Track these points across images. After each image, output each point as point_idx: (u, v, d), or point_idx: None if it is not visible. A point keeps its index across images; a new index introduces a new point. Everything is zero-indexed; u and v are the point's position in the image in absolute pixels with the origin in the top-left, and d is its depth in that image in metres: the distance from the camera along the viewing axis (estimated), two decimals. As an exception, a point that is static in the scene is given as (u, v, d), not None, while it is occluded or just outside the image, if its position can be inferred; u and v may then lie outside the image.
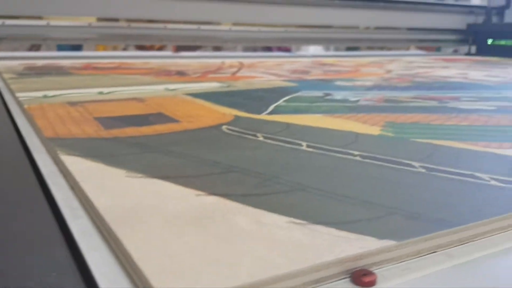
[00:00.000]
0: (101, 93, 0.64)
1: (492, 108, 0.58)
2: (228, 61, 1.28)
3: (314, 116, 0.51)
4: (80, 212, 0.25)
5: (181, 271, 0.18)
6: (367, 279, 0.19)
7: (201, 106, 0.56)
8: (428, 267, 0.20)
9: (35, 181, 0.30)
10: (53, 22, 1.33)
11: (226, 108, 0.54)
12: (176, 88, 0.71)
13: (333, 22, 1.72)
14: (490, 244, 0.23)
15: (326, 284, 0.19)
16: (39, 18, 1.33)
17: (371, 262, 0.20)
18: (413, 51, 2.07)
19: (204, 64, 1.19)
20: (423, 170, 0.31)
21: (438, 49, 2.19)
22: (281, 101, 0.60)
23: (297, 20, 1.65)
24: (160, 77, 0.87)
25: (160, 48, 1.87)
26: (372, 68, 1.18)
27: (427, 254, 0.21)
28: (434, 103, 0.61)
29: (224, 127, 0.44)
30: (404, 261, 0.21)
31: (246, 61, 1.31)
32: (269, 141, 0.39)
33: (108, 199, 0.25)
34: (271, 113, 0.52)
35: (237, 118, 0.49)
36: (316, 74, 0.99)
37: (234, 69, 1.06)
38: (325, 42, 1.85)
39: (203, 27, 1.51)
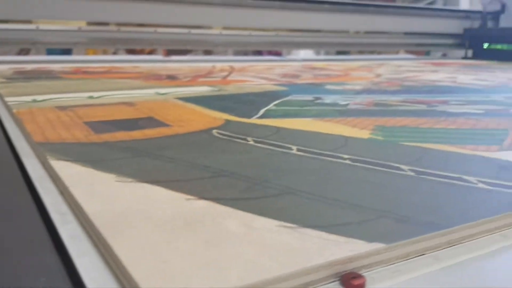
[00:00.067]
0: (91, 97, 0.64)
1: (480, 111, 0.59)
2: (218, 65, 1.28)
3: (304, 120, 0.51)
4: (70, 217, 0.25)
5: (171, 276, 0.18)
6: (356, 282, 0.19)
7: (192, 110, 0.56)
8: (416, 270, 0.21)
9: (24, 186, 0.30)
10: (42, 26, 1.32)
11: (216, 112, 0.54)
12: (166, 92, 0.71)
13: (323, 27, 1.73)
14: (477, 246, 0.23)
15: (316, 287, 0.19)
16: (29, 22, 1.32)
17: (361, 265, 0.20)
18: (402, 55, 2.09)
19: (194, 68, 1.19)
20: (412, 174, 0.32)
21: (427, 53, 2.21)
22: (271, 105, 0.61)
23: (288, 24, 1.66)
24: (151, 81, 0.87)
25: (151, 52, 1.87)
26: (362, 72, 1.18)
27: (416, 257, 0.22)
28: (423, 107, 0.62)
29: (214, 131, 0.44)
30: (393, 263, 0.21)
31: (236, 65, 1.31)
32: (259, 145, 0.39)
33: (98, 204, 0.25)
34: (261, 117, 0.52)
35: (227, 122, 0.49)
36: (306, 78, 0.99)
37: (225, 73, 1.06)
38: (316, 46, 1.86)
39: (193, 31, 1.51)
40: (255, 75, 1.04)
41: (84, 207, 0.24)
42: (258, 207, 0.25)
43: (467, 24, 1.94)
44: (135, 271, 0.18)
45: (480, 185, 0.30)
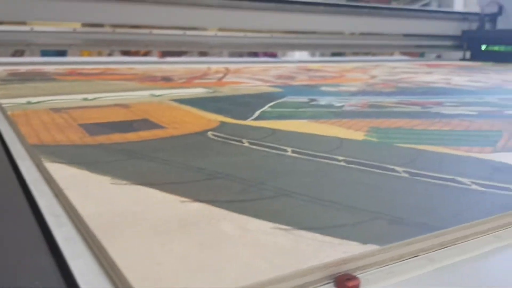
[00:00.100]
0: (85, 99, 0.64)
1: (474, 113, 0.59)
2: (214, 67, 1.28)
3: (300, 121, 0.51)
4: (64, 219, 0.24)
5: (166, 278, 0.18)
6: (350, 283, 0.19)
7: (187, 112, 0.56)
8: (410, 271, 0.21)
9: (18, 189, 0.30)
10: (37, 28, 1.32)
11: (211, 114, 0.54)
12: (161, 94, 0.71)
13: (318, 28, 1.73)
14: (471, 247, 0.23)
15: (311, 289, 0.19)
16: (23, 23, 1.32)
17: (355, 267, 0.20)
18: (397, 56, 2.10)
19: (190, 69, 1.19)
20: (406, 175, 0.32)
21: (421, 55, 2.23)
22: (266, 106, 0.61)
23: (283, 26, 1.66)
24: (146, 83, 0.86)
25: (146, 54, 1.86)
26: (357, 73, 1.19)
27: (410, 258, 0.22)
28: (417, 108, 0.62)
29: (209, 133, 0.44)
30: (387, 265, 0.21)
31: (232, 66, 1.32)
32: (254, 147, 0.39)
33: (93, 206, 0.25)
34: (256, 119, 0.52)
35: (222, 124, 0.49)
36: (301, 80, 0.99)
37: (220, 75, 1.06)
38: (311, 47, 1.86)
39: (188, 32, 1.51)
40: (250, 76, 1.04)
41: (78, 209, 0.24)
42: (253, 209, 0.25)
43: (465, 26, 1.97)
44: (130, 274, 0.18)
45: (474, 186, 0.30)
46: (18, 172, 0.33)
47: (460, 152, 0.39)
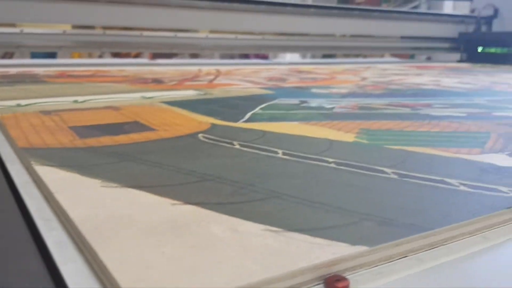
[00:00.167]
0: (76, 101, 0.64)
1: (463, 114, 0.60)
2: (205, 69, 1.28)
3: (290, 123, 0.52)
4: (55, 223, 0.24)
5: (157, 281, 0.18)
6: (340, 284, 0.19)
7: (178, 114, 0.56)
8: (399, 272, 0.21)
9: (8, 192, 0.30)
10: (26, 29, 1.31)
11: (202, 116, 0.54)
12: (152, 96, 0.71)
13: (309, 30, 1.74)
14: (459, 248, 0.23)
15: (300, 290, 0.19)
16: (12, 25, 1.31)
17: (344, 268, 0.20)
18: (387, 58, 2.11)
19: (181, 71, 1.19)
20: (396, 177, 0.32)
21: (412, 56, 2.24)
22: (257, 108, 0.61)
23: (274, 28, 1.67)
24: (136, 85, 0.86)
25: (136, 56, 1.86)
26: (348, 75, 1.19)
27: (399, 259, 0.22)
28: (407, 110, 0.63)
29: (200, 135, 0.44)
30: (377, 266, 0.21)
31: (223, 68, 1.32)
32: (245, 149, 0.39)
33: (83, 210, 0.25)
34: (247, 121, 0.53)
35: (213, 126, 0.49)
36: (292, 82, 1.00)
37: (211, 77, 1.07)
38: (302, 49, 1.87)
39: (179, 34, 1.51)
40: (241, 78, 1.04)
41: (69, 213, 0.24)
42: (243, 212, 0.25)
43: (462, 28, 2.00)
44: (121, 277, 0.18)
45: (462, 187, 0.30)
46: (7, 176, 0.33)
47: (449, 153, 0.39)
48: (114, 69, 1.21)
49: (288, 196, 0.28)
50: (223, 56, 1.93)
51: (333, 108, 0.63)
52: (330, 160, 0.36)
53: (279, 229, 0.23)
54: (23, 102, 0.62)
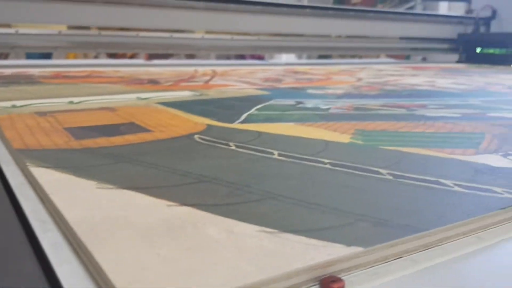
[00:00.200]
0: (71, 102, 0.64)
1: (458, 115, 0.60)
2: (201, 69, 1.28)
3: (286, 124, 0.52)
4: (50, 225, 0.24)
5: (153, 283, 0.18)
6: (335, 285, 0.19)
7: (174, 115, 0.56)
8: (394, 272, 0.21)
9: (3, 193, 0.30)
10: (22, 30, 1.30)
11: (198, 117, 0.54)
12: (148, 97, 0.71)
13: (306, 31, 1.74)
14: (454, 248, 0.24)
15: (296, 291, 0.19)
16: (8, 26, 1.30)
17: (340, 269, 0.20)
18: (383, 59, 2.12)
19: (176, 72, 1.19)
20: (391, 177, 0.32)
21: (407, 57, 2.25)
22: (253, 109, 0.61)
23: (270, 29, 1.67)
24: (132, 86, 0.86)
25: (132, 56, 1.86)
26: (343, 76, 1.20)
27: (394, 260, 0.22)
28: (402, 111, 0.63)
29: (196, 136, 0.44)
30: (372, 266, 0.21)
31: (219, 69, 1.32)
32: (241, 150, 0.40)
33: (79, 211, 0.25)
34: (243, 121, 0.53)
35: (209, 127, 0.49)
36: (288, 82, 1.00)
37: (207, 77, 1.07)
38: (298, 50, 1.87)
39: (175, 35, 1.50)
40: (237, 79, 1.04)
41: (64, 214, 0.24)
42: (239, 213, 0.25)
43: (461, 29, 2.02)
44: (116, 278, 0.18)
45: (456, 188, 0.30)
46: (3, 177, 0.33)
47: (444, 154, 0.40)
48: (109, 69, 1.21)
49: (284, 197, 0.28)
50: (219, 57, 1.93)
51: (328, 109, 0.63)
52: (326, 161, 0.36)
53: (275, 230, 0.23)
54: (18, 103, 0.62)
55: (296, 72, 1.27)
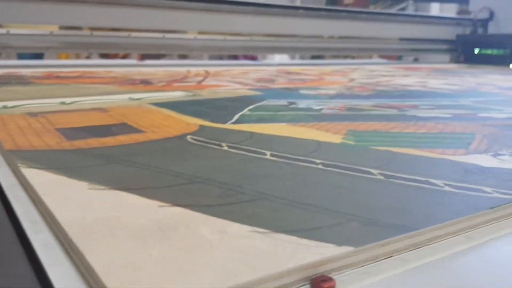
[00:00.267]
0: (63, 103, 0.63)
1: (449, 115, 0.61)
2: (193, 70, 1.28)
3: (279, 125, 0.52)
4: (42, 226, 0.24)
5: (145, 284, 0.18)
6: (326, 285, 0.19)
7: (166, 116, 0.56)
8: (385, 272, 0.21)
9: (-6, 195, 0.29)
10: (13, 30, 1.29)
11: (191, 118, 0.54)
12: (140, 97, 0.71)
13: (299, 32, 1.74)
14: (443, 247, 0.24)
15: (287, 291, 0.19)
16: (-2, 26, 1.30)
17: (331, 268, 0.21)
18: (376, 59, 2.13)
19: (169, 72, 1.19)
20: (382, 177, 0.33)
21: (399, 58, 2.27)
22: (246, 110, 0.61)
23: (263, 29, 1.67)
24: (124, 86, 0.86)
25: (125, 57, 1.85)
26: (336, 76, 1.20)
27: (384, 259, 0.22)
28: (394, 111, 0.63)
29: (188, 137, 0.44)
30: (362, 266, 0.21)
31: (212, 69, 1.32)
32: (233, 150, 0.40)
33: (70, 212, 0.24)
34: (236, 122, 0.53)
35: (202, 127, 0.49)
36: (281, 83, 1.00)
37: (200, 78, 1.07)
38: (291, 50, 1.87)
39: (168, 35, 1.50)
40: (230, 79, 1.04)
41: (56, 215, 0.24)
42: (231, 213, 0.25)
43: (459, 30, 2.05)
44: (108, 279, 0.18)
45: (447, 188, 0.31)
46: (-6, 178, 0.33)
47: (434, 154, 0.40)
48: (102, 70, 1.21)
49: (276, 198, 0.28)
50: (211, 57, 1.93)
51: (321, 109, 0.64)
52: (318, 161, 0.36)
53: (267, 231, 0.23)
54: (9, 103, 0.61)
55: (289, 73, 1.28)
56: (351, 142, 0.44)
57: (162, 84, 0.92)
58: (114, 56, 1.89)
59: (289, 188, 0.30)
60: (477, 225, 0.26)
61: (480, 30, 2.05)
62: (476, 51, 2.00)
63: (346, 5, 2.99)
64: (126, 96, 0.72)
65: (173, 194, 0.28)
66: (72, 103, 0.64)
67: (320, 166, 0.35)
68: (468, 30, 2.06)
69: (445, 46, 2.07)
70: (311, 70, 1.40)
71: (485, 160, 0.38)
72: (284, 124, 0.52)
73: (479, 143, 0.45)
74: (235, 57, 2.04)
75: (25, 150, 0.38)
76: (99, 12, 1.35)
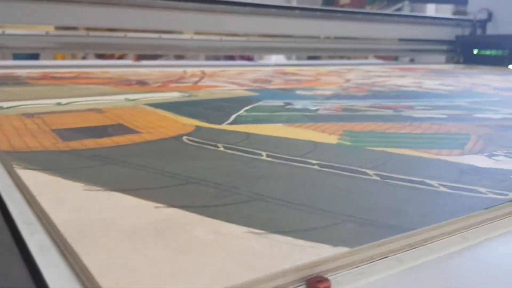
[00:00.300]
0: (59, 104, 0.63)
1: (444, 116, 0.61)
2: (190, 70, 1.28)
3: (275, 125, 0.52)
4: (37, 227, 0.24)
5: (140, 285, 0.18)
6: (321, 285, 0.19)
7: (162, 117, 0.56)
8: (380, 272, 0.21)
9: (-11, 196, 0.29)
10: (9, 31, 1.29)
11: (187, 119, 0.54)
12: (136, 98, 0.71)
13: (295, 32, 1.75)
14: (439, 248, 0.24)
15: (283, 291, 0.19)
16: (-6, 26, 1.29)
17: (326, 269, 0.21)
18: (371, 60, 2.14)
19: (165, 73, 1.19)
20: (377, 178, 0.33)
21: (395, 58, 2.27)
22: (242, 111, 0.61)
23: (259, 30, 1.67)
24: (120, 87, 0.86)
25: (121, 57, 1.85)
26: (332, 77, 1.20)
27: (379, 259, 0.22)
28: (389, 112, 0.63)
29: (184, 137, 0.44)
30: (358, 266, 0.22)
31: (208, 70, 1.32)
32: (229, 151, 0.40)
33: (66, 214, 0.24)
34: (232, 123, 0.53)
35: (198, 128, 0.49)
36: (277, 83, 1.00)
37: (196, 78, 1.06)
38: (287, 51, 1.88)
39: (164, 36, 1.50)
40: (226, 80, 1.04)
41: (52, 216, 0.24)
42: (226, 214, 0.25)
43: (458, 31, 2.07)
44: (104, 280, 0.18)
45: (442, 188, 0.31)
46: (-11, 179, 0.32)
47: (430, 155, 0.40)
48: (98, 70, 1.21)
49: (272, 198, 0.28)
50: (208, 58, 1.93)
51: (317, 110, 0.64)
52: (314, 162, 0.37)
53: (262, 231, 0.23)
54: (5, 104, 0.61)
55: (285, 73, 1.28)
56: (347, 143, 0.44)
57: (158, 84, 0.92)
58: (110, 57, 1.89)
59: (285, 189, 0.30)
60: (472, 226, 0.26)
61: (478, 31, 2.06)
62: (475, 51, 2.02)
63: (342, 6, 2.99)
64: (122, 97, 0.71)
65: (169, 195, 0.28)
66: (68, 103, 0.64)
67: (316, 167, 0.35)
68: (467, 31, 2.07)
69: (444, 47, 2.09)
70: (307, 70, 1.41)
71: (480, 161, 0.38)
72: (280, 124, 0.52)
73: (474, 144, 0.45)
74: (231, 58, 2.04)
75: (20, 151, 0.38)
76: (95, 12, 1.35)
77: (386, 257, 0.22)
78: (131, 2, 1.39)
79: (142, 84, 0.92)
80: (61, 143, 0.41)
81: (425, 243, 0.24)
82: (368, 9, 2.61)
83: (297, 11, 1.71)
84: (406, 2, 2.60)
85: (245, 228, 0.23)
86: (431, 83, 1.08)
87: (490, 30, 2.04)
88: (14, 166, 0.33)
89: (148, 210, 0.25)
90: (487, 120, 0.59)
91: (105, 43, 1.42)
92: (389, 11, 2.52)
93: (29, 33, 1.33)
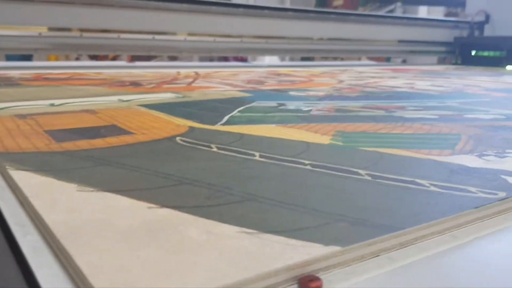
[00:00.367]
0: (52, 105, 0.63)
1: (435, 116, 0.61)
2: (183, 71, 1.28)
3: (268, 126, 0.52)
4: (30, 228, 0.24)
5: (133, 285, 0.18)
6: (313, 284, 0.20)
7: (156, 118, 0.56)
8: (371, 271, 0.22)
9: (-18, 198, 0.29)
10: (1, 32, 1.28)
11: (180, 119, 0.54)
12: (130, 99, 0.71)
13: (289, 33, 1.75)
14: (429, 246, 0.24)
15: (274, 290, 0.19)
16: (-14, 27, 1.28)
17: (318, 268, 0.21)
18: (364, 61, 2.14)
19: (159, 74, 1.19)
20: (369, 178, 0.33)
21: (388, 59, 2.28)
22: (235, 111, 0.61)
23: (253, 31, 1.67)
24: (114, 88, 0.86)
25: (114, 58, 1.84)
26: (325, 78, 1.21)
27: (371, 258, 0.23)
28: (381, 113, 0.64)
29: (178, 138, 0.45)
30: (349, 265, 0.22)
31: (202, 71, 1.32)
32: (222, 152, 0.40)
33: (59, 215, 0.25)
34: (225, 123, 0.53)
35: (191, 129, 0.49)
36: (271, 84, 1.00)
37: (190, 80, 1.07)
38: (281, 52, 1.88)
39: (158, 37, 1.50)
40: (220, 81, 1.04)
41: (44, 217, 0.24)
42: (219, 214, 0.25)
43: (457, 33, 2.10)
44: (96, 281, 0.18)
45: (432, 188, 0.31)
46: (-19, 181, 0.32)
47: (420, 155, 0.40)
48: (91, 72, 1.20)
49: (264, 198, 0.28)
50: (201, 59, 1.93)
51: (310, 110, 0.64)
52: (306, 162, 0.37)
53: (255, 231, 0.23)
54: (-3, 105, 0.61)
55: (278, 74, 1.28)
56: (340, 143, 0.44)
57: (152, 85, 0.92)
58: (104, 58, 1.88)
59: (277, 189, 0.30)
60: (462, 225, 0.27)
61: (476, 33, 2.09)
62: (473, 53, 2.04)
63: (336, 7, 3.00)
64: (115, 98, 0.71)
65: (162, 195, 0.28)
66: (61, 105, 0.63)
67: (308, 167, 0.35)
68: (465, 33, 2.10)
69: (443, 48, 2.12)
70: (300, 71, 1.41)
71: (471, 161, 0.39)
72: (273, 125, 0.53)
73: (465, 144, 0.45)
74: (225, 59, 2.04)
75: (13, 152, 0.38)
76: (89, 13, 1.34)
77: (377, 256, 0.23)
78: (124, 3, 1.38)
79: (135, 85, 0.92)
80: (54, 144, 0.41)
81: (415, 242, 0.24)
82: (360, 11, 2.62)
83: (290, 13, 1.72)
84: (399, 4, 2.62)
85: (237, 228, 0.24)
86: (422, 84, 1.09)
87: (488, 31, 2.07)
88: (7, 167, 0.33)
89: (141, 211, 0.26)
90: (477, 120, 0.60)
91: (98, 44, 1.42)
92: (382, 12, 2.53)
93: (22, 34, 1.33)
